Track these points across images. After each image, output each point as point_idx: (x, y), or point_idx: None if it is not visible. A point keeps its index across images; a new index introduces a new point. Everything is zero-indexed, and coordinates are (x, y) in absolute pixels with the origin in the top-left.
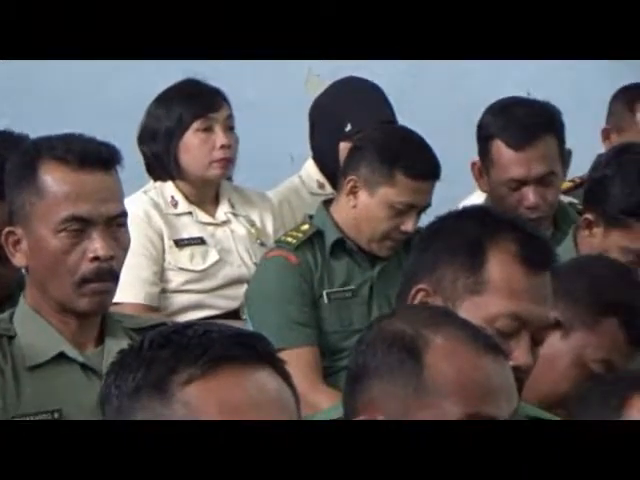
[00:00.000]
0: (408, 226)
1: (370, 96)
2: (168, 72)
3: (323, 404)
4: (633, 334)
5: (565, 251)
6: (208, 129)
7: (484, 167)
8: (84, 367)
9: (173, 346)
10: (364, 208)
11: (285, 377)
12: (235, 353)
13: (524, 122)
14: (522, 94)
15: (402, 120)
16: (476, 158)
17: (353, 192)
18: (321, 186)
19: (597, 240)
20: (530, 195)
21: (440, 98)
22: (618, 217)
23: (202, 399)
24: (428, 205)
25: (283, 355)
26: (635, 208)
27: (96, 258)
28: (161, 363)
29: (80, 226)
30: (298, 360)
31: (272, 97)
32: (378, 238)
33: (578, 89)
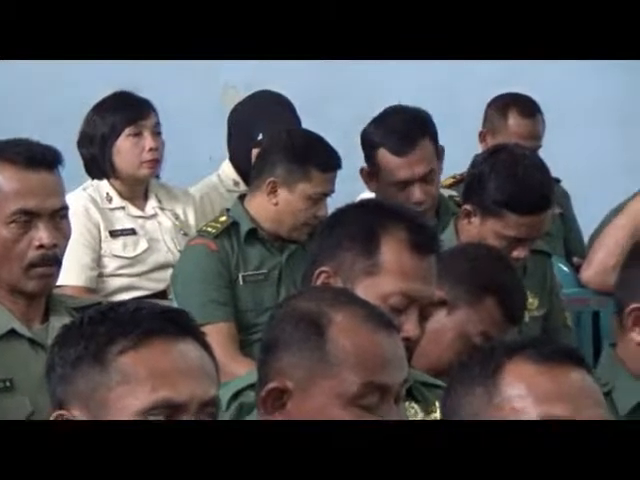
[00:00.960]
0: (322, 212)
1: (278, 108)
2: (99, 84)
3: (240, 372)
4: (508, 311)
5: (447, 238)
6: (138, 134)
7: (372, 172)
8: (32, 341)
9: (109, 322)
10: (286, 203)
11: (205, 347)
12: (162, 327)
13: (403, 130)
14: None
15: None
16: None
17: (273, 192)
18: (236, 184)
19: (475, 228)
20: (416, 192)
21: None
22: (492, 208)
23: (135, 367)
24: (333, 191)
25: (204, 330)
26: (507, 200)
27: (41, 246)
28: (99, 336)
29: (28, 218)
30: (217, 334)
31: (194, 106)
32: (299, 226)
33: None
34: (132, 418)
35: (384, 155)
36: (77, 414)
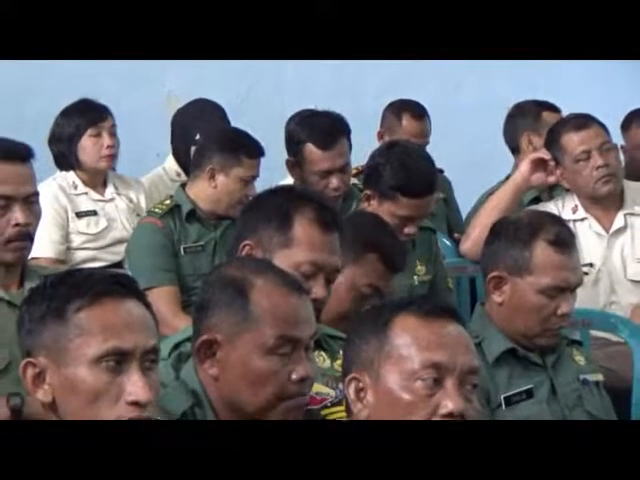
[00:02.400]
0: (252, 191)
1: (212, 113)
2: (69, 94)
3: (181, 326)
4: (388, 263)
5: None
6: (98, 134)
7: (296, 163)
8: (9, 303)
9: (67, 285)
10: (223, 186)
11: (147, 306)
12: (111, 289)
13: (326, 129)
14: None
15: None
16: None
17: (212, 177)
18: (178, 175)
19: (373, 209)
20: (334, 181)
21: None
22: (388, 192)
23: (89, 321)
24: (259, 175)
25: (153, 292)
26: (399, 186)
27: (17, 224)
28: (59, 297)
29: (5, 202)
30: (163, 295)
31: (144, 111)
32: (234, 204)
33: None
34: (88, 364)
35: (310, 149)
36: (42, 361)
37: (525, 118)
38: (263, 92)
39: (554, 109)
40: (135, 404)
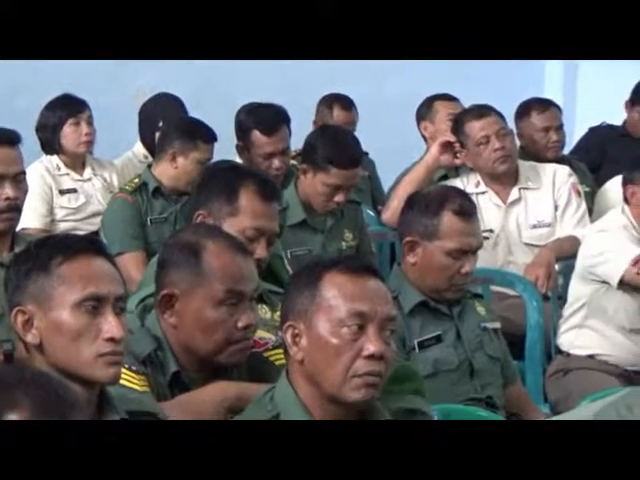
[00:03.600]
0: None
1: (173, 105)
2: (54, 90)
3: None
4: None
5: (289, 192)
6: (77, 124)
7: (245, 147)
8: (1, 265)
9: (49, 245)
10: (183, 167)
11: (113, 263)
12: (86, 247)
13: (270, 118)
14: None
15: None
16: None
17: (174, 159)
18: (145, 157)
19: (309, 180)
20: (276, 162)
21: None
22: (321, 165)
23: (69, 273)
24: (212, 157)
25: (124, 256)
26: (331, 158)
27: (7, 198)
28: (43, 255)
29: None
30: (133, 259)
31: (116, 104)
32: (192, 182)
33: None
34: (70, 308)
35: (255, 135)
36: (30, 308)
37: (422, 109)
38: (218, 87)
39: (447, 98)
40: (111, 340)
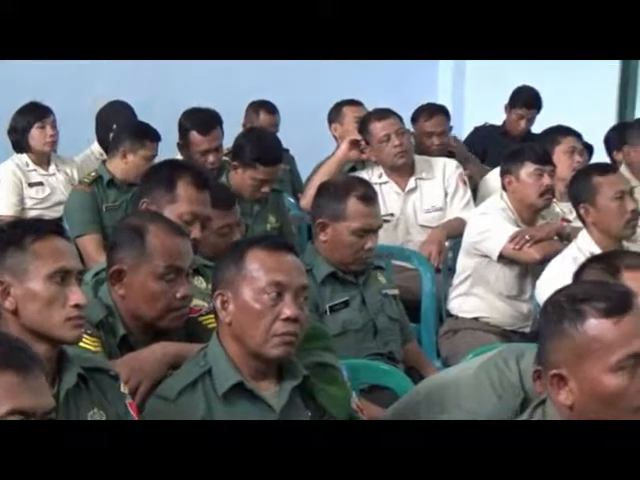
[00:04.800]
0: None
1: (124, 110)
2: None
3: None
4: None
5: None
6: (43, 127)
7: (185, 145)
8: None
9: (21, 227)
10: (132, 163)
11: (68, 240)
12: (52, 229)
13: (205, 120)
14: None
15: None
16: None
17: (124, 156)
18: (101, 154)
19: (239, 176)
20: (211, 158)
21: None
22: (249, 162)
23: (41, 249)
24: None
25: (84, 238)
26: (257, 157)
27: None
28: (17, 234)
29: None
30: (91, 240)
31: (78, 109)
32: (139, 174)
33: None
34: (43, 279)
35: (194, 135)
36: (8, 279)
37: (332, 113)
38: (164, 95)
39: (354, 103)
40: (76, 306)
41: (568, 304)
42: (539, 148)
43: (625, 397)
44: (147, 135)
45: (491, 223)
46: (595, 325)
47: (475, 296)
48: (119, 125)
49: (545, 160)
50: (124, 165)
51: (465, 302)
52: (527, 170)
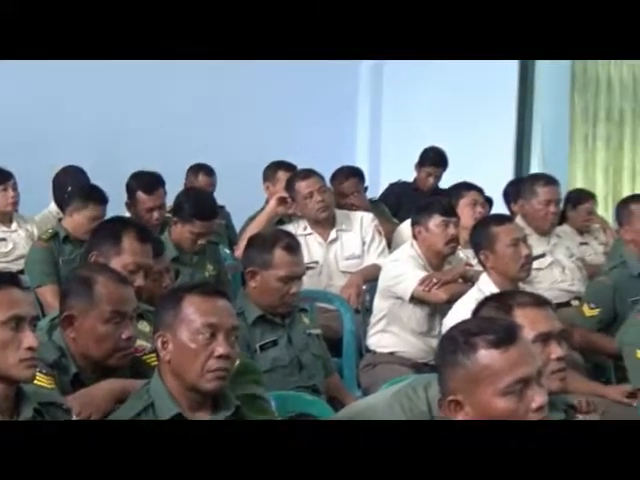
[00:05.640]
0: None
1: (78, 174)
2: None
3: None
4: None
5: (164, 238)
6: (5, 189)
7: (132, 204)
8: None
9: None
10: (78, 222)
11: (24, 290)
12: (9, 280)
13: (149, 181)
14: None
15: None
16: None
17: (71, 215)
18: (58, 213)
19: (179, 229)
20: (155, 214)
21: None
22: (187, 218)
23: None
24: (105, 215)
25: (42, 288)
26: (194, 213)
27: None
28: None
29: None
30: (49, 290)
31: (36, 172)
32: (86, 232)
33: None
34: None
35: (139, 194)
36: None
37: (267, 171)
38: (113, 158)
39: (287, 167)
40: (30, 349)
41: (462, 337)
42: (445, 201)
43: (514, 417)
44: (91, 197)
45: (403, 268)
46: (485, 355)
47: (390, 333)
48: (72, 187)
49: (450, 212)
50: (74, 223)
51: (382, 339)
52: (435, 221)
